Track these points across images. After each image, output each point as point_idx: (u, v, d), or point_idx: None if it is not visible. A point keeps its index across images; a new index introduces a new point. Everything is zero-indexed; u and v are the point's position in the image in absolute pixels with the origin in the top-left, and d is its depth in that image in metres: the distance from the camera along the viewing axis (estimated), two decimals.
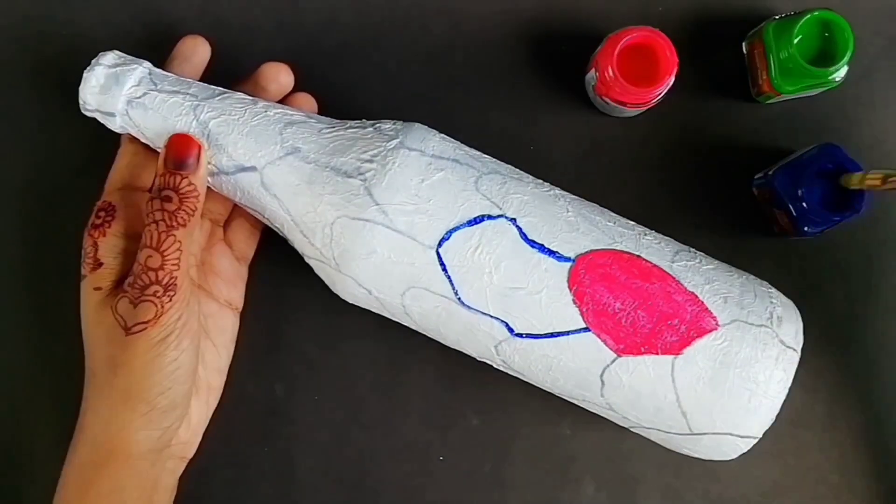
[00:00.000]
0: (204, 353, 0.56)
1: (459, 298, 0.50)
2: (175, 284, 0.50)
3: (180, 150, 0.51)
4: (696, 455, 0.53)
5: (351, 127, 0.53)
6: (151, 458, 0.52)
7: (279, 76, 0.58)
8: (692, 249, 0.54)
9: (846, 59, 0.57)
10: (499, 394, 0.61)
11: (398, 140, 0.52)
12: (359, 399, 0.62)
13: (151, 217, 0.50)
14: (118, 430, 0.51)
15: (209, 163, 0.52)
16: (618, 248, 0.51)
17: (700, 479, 0.61)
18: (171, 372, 0.51)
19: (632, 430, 0.54)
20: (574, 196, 0.54)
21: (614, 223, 0.53)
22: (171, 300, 0.50)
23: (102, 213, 0.53)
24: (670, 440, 0.53)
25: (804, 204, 0.57)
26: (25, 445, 0.61)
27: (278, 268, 0.61)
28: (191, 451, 0.57)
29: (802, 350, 0.51)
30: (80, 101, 0.53)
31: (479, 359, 0.55)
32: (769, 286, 0.54)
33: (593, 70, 0.60)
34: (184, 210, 0.51)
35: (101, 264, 0.52)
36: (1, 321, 0.62)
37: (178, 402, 0.53)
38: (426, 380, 0.62)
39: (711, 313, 0.49)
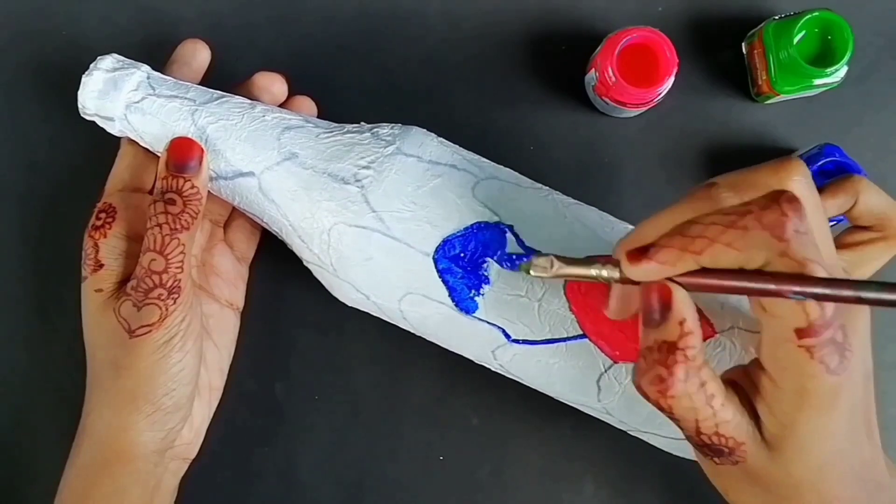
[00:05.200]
0: (205, 353, 0.56)
1: (456, 304, 0.50)
2: (179, 287, 0.50)
3: (183, 153, 0.51)
4: (694, 458, 0.53)
5: (349, 131, 0.53)
6: (155, 460, 0.53)
7: (272, 86, 0.57)
8: None
9: (846, 59, 0.57)
10: (499, 394, 0.61)
11: (395, 146, 0.52)
12: (359, 399, 0.62)
13: (155, 220, 0.50)
14: (122, 431, 0.51)
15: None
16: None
17: (700, 480, 0.61)
18: (176, 374, 0.51)
19: (630, 433, 0.54)
20: (572, 200, 0.54)
21: (612, 228, 0.52)
22: (175, 303, 0.50)
23: (103, 215, 0.53)
24: (667, 444, 0.53)
25: None
26: (26, 446, 0.62)
27: (279, 268, 0.62)
28: (193, 452, 0.57)
29: None
30: (79, 106, 0.53)
31: (477, 362, 0.55)
32: None
33: (593, 70, 0.59)
34: (187, 213, 0.51)
35: (101, 266, 0.52)
36: (1, 321, 0.63)
37: (182, 404, 0.53)
38: (426, 380, 0.62)
39: (708, 320, 0.49)
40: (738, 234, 0.37)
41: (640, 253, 0.39)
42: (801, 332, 0.37)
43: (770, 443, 0.40)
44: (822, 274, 0.36)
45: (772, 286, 0.36)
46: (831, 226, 0.56)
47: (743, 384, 0.41)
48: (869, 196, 0.47)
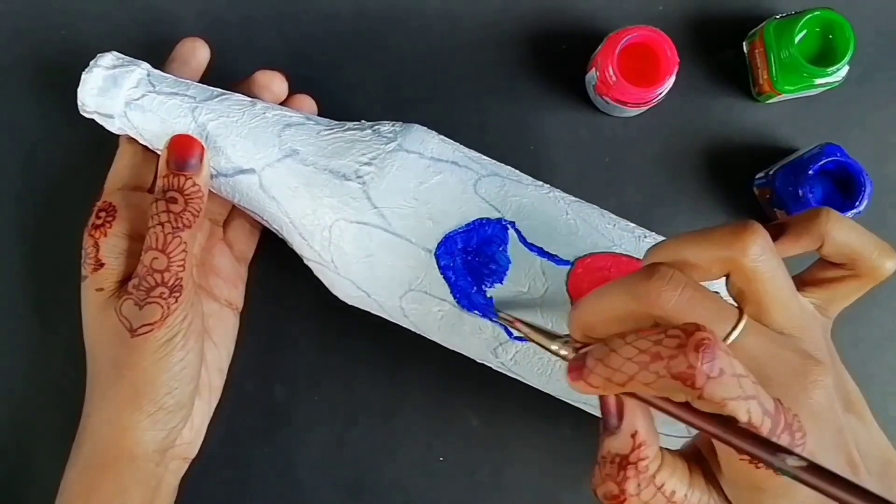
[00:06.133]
0: (205, 352, 0.56)
1: (458, 301, 0.50)
2: (180, 286, 0.50)
3: (183, 151, 0.51)
4: None
5: (350, 129, 0.53)
6: (156, 459, 0.53)
7: (272, 84, 0.57)
8: None
9: (847, 58, 0.57)
10: (499, 394, 0.61)
11: (396, 142, 0.51)
12: (359, 399, 0.62)
13: (157, 219, 0.50)
14: (124, 431, 0.51)
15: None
16: (617, 251, 0.51)
17: None
18: (178, 372, 0.51)
19: None
20: (574, 198, 0.54)
21: (613, 225, 0.52)
22: (176, 301, 0.50)
23: (103, 214, 0.53)
24: (668, 442, 0.52)
25: (805, 204, 0.57)
26: (26, 446, 0.61)
27: (278, 267, 0.61)
28: (193, 452, 0.57)
29: None
30: (79, 103, 0.53)
31: (478, 361, 0.55)
32: None
33: (594, 70, 0.59)
34: (189, 211, 0.50)
35: (102, 265, 0.52)
36: (1, 321, 0.62)
37: (184, 402, 0.53)
38: (426, 380, 0.62)
39: None
40: (652, 378, 0.35)
41: (579, 367, 0.38)
42: (739, 450, 0.36)
43: None
44: (742, 412, 0.35)
45: (698, 423, 0.36)
46: None
47: (707, 457, 0.41)
48: (838, 234, 0.43)
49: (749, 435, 0.35)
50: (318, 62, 0.64)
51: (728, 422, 0.35)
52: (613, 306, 0.38)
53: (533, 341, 0.43)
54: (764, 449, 0.34)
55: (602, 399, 0.39)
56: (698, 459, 0.40)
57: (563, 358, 0.41)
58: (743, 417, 0.35)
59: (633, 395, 0.37)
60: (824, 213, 0.43)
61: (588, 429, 0.60)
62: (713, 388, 0.34)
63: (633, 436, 0.38)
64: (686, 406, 0.36)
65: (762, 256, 0.39)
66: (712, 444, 0.39)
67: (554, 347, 0.42)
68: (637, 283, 0.38)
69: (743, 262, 0.38)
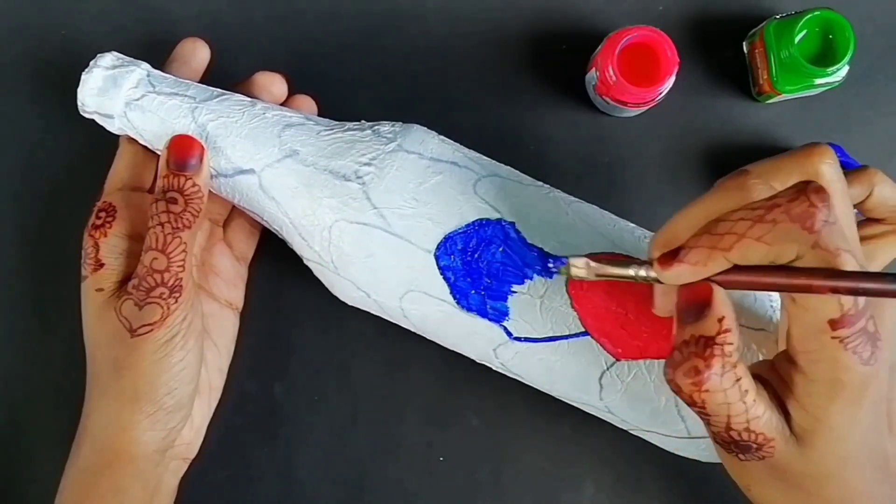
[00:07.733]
0: (205, 352, 0.56)
1: (458, 302, 0.50)
2: (180, 286, 0.50)
3: (183, 152, 0.51)
4: (694, 457, 0.53)
5: (349, 129, 0.53)
6: (156, 459, 0.53)
7: (272, 86, 0.57)
8: None
9: (847, 58, 0.57)
10: (499, 394, 0.61)
11: (396, 143, 0.51)
12: (359, 399, 0.62)
13: (157, 219, 0.50)
14: (123, 431, 0.51)
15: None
16: (617, 251, 0.51)
17: (700, 480, 0.61)
18: (178, 372, 0.51)
19: (631, 432, 0.54)
20: (573, 198, 0.54)
21: (613, 226, 0.52)
22: (176, 301, 0.50)
23: (103, 214, 0.53)
24: (669, 443, 0.53)
25: None
26: (26, 446, 0.61)
27: (278, 268, 0.62)
28: (193, 452, 0.57)
29: None
30: (79, 103, 0.53)
31: (478, 361, 0.55)
32: None
33: (594, 70, 0.59)
34: (189, 212, 0.50)
35: (102, 265, 0.52)
36: (1, 322, 0.62)
37: (184, 403, 0.53)
38: (426, 380, 0.62)
39: None
40: (767, 228, 0.36)
41: (671, 256, 0.39)
42: (834, 323, 0.37)
43: (799, 436, 0.40)
44: (853, 264, 0.36)
45: (805, 282, 0.36)
46: None
47: (769, 379, 0.41)
48: (883, 188, 0.48)
49: (863, 274, 0.36)
50: (318, 62, 0.64)
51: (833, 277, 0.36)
52: (705, 205, 0.40)
53: (608, 276, 0.44)
54: (881, 281, 0.36)
55: (684, 291, 0.40)
56: (762, 382, 0.41)
57: (644, 280, 0.42)
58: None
59: (728, 280, 0.39)
60: (873, 169, 0.48)
61: (588, 429, 0.60)
62: (830, 232, 0.36)
63: (720, 321, 0.39)
64: (788, 269, 0.37)
65: (835, 167, 0.41)
66: (777, 371, 0.41)
67: (631, 272, 0.42)
68: (727, 182, 0.40)
69: (820, 167, 0.40)
